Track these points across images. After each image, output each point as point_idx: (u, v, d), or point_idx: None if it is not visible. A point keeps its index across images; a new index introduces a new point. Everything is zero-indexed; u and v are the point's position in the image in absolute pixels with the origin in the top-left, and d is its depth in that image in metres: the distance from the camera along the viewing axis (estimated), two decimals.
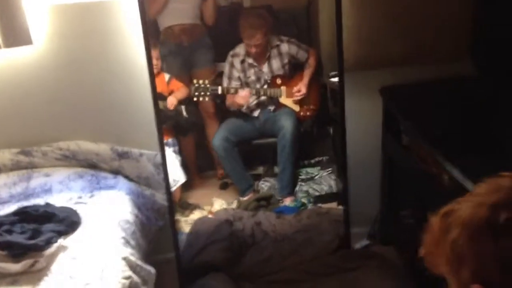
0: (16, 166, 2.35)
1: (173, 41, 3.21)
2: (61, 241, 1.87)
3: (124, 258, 1.88)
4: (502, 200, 0.83)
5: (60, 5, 2.21)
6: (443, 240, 0.86)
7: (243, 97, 3.30)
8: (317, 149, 3.60)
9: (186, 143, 3.51)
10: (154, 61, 3.00)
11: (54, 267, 1.80)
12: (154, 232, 2.37)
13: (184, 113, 3.27)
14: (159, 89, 3.04)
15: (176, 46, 3.24)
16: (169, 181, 2.58)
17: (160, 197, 2.46)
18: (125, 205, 2.17)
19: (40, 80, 2.30)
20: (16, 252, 1.79)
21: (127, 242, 1.97)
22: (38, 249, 1.80)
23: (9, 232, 1.86)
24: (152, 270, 2.05)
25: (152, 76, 2.29)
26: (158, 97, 2.93)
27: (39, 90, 2.32)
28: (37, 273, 1.77)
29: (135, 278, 1.89)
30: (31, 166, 2.35)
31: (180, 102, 3.21)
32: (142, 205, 2.31)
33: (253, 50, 3.21)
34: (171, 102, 3.17)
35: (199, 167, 3.62)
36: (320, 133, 3.35)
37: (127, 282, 1.81)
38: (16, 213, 1.98)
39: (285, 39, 3.34)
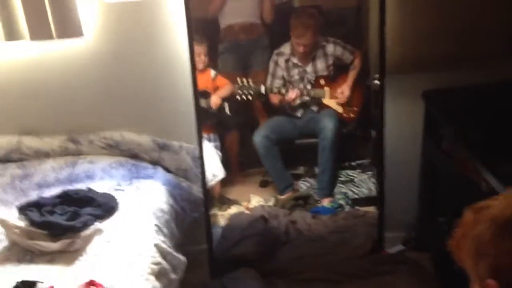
0: (64, 152, 2.48)
1: (231, 39, 3.29)
2: (97, 225, 1.97)
3: (156, 245, 1.95)
4: None
5: (110, 1, 2.31)
6: (470, 233, 0.90)
7: (292, 97, 3.33)
8: (358, 151, 3.57)
9: (230, 139, 3.58)
10: (202, 57, 3.09)
11: (89, 248, 1.89)
12: (188, 222, 2.43)
13: (227, 110, 3.34)
14: (204, 85, 3.12)
15: (233, 44, 3.31)
16: (207, 175, 2.65)
17: (197, 190, 2.52)
18: (161, 195, 2.24)
19: (89, 71, 2.42)
20: (55, 232, 1.89)
21: (159, 230, 2.04)
22: (76, 230, 1.90)
23: (51, 213, 1.98)
24: (182, 258, 2.11)
25: (194, 72, 2.35)
26: (202, 93, 3.02)
27: (87, 81, 2.44)
28: (73, 253, 1.87)
29: (165, 264, 1.96)
30: (78, 153, 2.48)
31: (224, 100, 3.28)
32: (178, 196, 2.38)
33: (301, 49, 3.23)
34: (214, 102, 3.24)
35: (242, 164, 3.69)
36: (362, 135, 3.32)
37: (156, 267, 1.88)
38: (59, 195, 2.10)
39: (331, 40, 3.34)
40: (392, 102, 2.51)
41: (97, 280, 1.72)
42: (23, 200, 2.14)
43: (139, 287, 1.75)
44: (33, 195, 2.21)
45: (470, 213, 0.93)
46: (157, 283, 1.84)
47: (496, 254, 0.85)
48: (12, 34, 2.27)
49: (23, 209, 1.99)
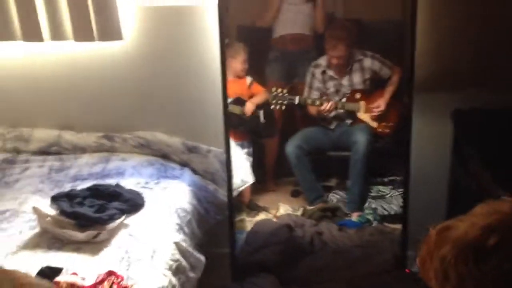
0: (98, 149, 2.60)
1: (281, 48, 3.36)
2: (123, 219, 2.06)
3: (176, 243, 2.02)
4: (495, 224, 0.83)
5: (149, 7, 2.43)
6: (435, 254, 0.87)
7: (326, 109, 3.35)
8: (391, 168, 3.54)
9: (269, 147, 3.63)
10: (240, 65, 3.16)
11: (114, 241, 1.98)
12: (211, 224, 2.50)
13: (262, 118, 3.39)
14: (239, 92, 3.19)
15: (282, 53, 3.37)
16: (236, 181, 2.71)
17: (222, 193, 2.59)
18: (185, 195, 2.32)
19: (126, 73, 2.53)
20: (83, 222, 2.00)
21: (180, 229, 2.11)
22: (102, 222, 1.99)
23: (81, 204, 2.09)
24: (202, 258, 2.17)
25: (224, 78, 2.42)
26: (237, 100, 3.09)
27: (124, 82, 2.56)
28: (98, 244, 1.96)
29: (184, 262, 2.03)
30: (112, 150, 2.60)
31: (259, 107, 3.33)
32: (203, 198, 2.45)
33: (335, 61, 3.25)
34: (249, 108, 3.30)
35: (276, 172, 3.73)
36: (397, 152, 3.29)
37: (174, 264, 1.95)
38: (89, 188, 2.21)
39: (369, 54, 3.33)
40: (421, 119, 2.49)
41: (117, 271, 1.81)
42: (57, 191, 2.26)
43: (156, 281, 1.81)
44: (67, 187, 2.32)
45: (434, 232, 0.91)
46: (174, 279, 1.91)
47: (458, 278, 0.83)
48: (58, 35, 2.42)
49: (56, 199, 2.10)
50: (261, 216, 3.32)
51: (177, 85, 2.55)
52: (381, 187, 3.55)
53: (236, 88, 3.02)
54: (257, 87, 3.29)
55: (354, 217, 3.27)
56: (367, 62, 3.35)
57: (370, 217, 3.23)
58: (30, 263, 1.84)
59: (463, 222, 0.87)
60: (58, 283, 1.68)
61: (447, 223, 0.90)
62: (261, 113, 3.36)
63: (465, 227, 0.86)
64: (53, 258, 1.88)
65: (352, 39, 3.16)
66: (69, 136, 2.62)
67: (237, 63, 2.96)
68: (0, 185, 2.39)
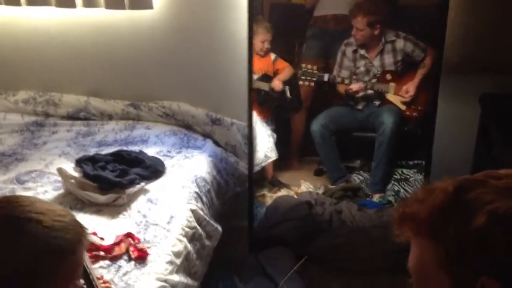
0: (125, 116, 2.66)
1: (320, 26, 3.34)
2: (143, 184, 2.11)
3: (193, 210, 2.06)
4: None
5: None
6: (453, 216, 0.79)
7: (355, 89, 3.32)
8: (417, 151, 3.50)
9: (294, 124, 3.63)
10: (265, 44, 3.16)
11: (133, 205, 2.04)
12: (231, 196, 2.53)
13: (288, 94, 3.39)
14: (265, 68, 3.19)
15: (321, 31, 3.36)
16: (260, 156, 2.73)
17: (243, 166, 2.61)
18: (206, 165, 2.35)
19: (154, 42, 2.56)
20: (104, 186, 2.05)
21: (198, 197, 2.15)
22: (122, 186, 2.04)
23: (103, 168, 2.14)
24: (219, 227, 2.21)
25: (251, 53, 2.41)
26: (264, 77, 3.09)
27: (152, 51, 2.59)
28: (118, 208, 2.02)
29: (200, 230, 2.07)
30: (137, 118, 2.65)
31: (285, 83, 3.33)
32: (223, 169, 2.48)
33: (357, 34, 3.20)
34: (277, 84, 3.30)
35: (301, 150, 3.73)
36: (424, 135, 3.24)
37: (190, 231, 2.00)
38: (112, 154, 2.27)
39: (402, 35, 3.27)
40: (448, 103, 2.45)
41: (135, 234, 1.87)
42: (82, 155, 2.33)
43: (171, 245, 1.86)
44: (92, 152, 2.38)
45: (450, 187, 0.83)
46: (189, 245, 1.95)
47: (505, 253, 0.76)
48: (90, 2, 2.46)
49: (80, 162, 2.17)
50: (283, 192, 3.34)
51: (204, 57, 2.57)
52: (405, 170, 3.51)
53: (262, 65, 3.03)
54: (281, 63, 3.28)
55: (376, 198, 3.26)
56: (400, 44, 3.29)
57: (391, 198, 3.21)
58: None
59: (497, 190, 0.80)
60: None
61: (467, 182, 0.83)
62: (287, 88, 3.36)
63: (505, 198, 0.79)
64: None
65: (378, 16, 3.10)
66: (96, 103, 2.68)
67: (258, 42, 2.96)
68: (29, 146, 2.48)
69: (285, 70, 3.27)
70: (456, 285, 0.79)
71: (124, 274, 1.69)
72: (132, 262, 1.74)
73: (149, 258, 1.77)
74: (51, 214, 0.97)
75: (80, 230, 1.02)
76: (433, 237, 0.81)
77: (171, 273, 1.75)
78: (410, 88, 3.30)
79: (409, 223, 0.85)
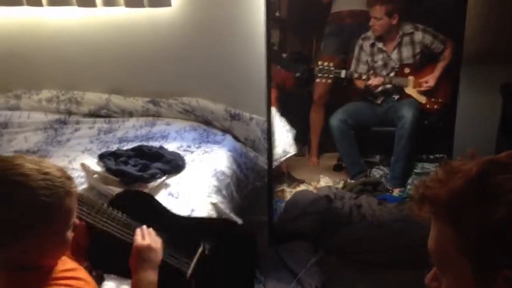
0: (145, 113, 2.70)
1: (337, 22, 3.35)
2: (164, 179, 2.14)
3: (213, 204, 2.08)
4: None
5: None
6: (474, 203, 0.78)
7: (374, 83, 3.31)
8: (439, 144, 3.47)
9: (313, 119, 3.64)
10: None
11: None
12: (250, 190, 2.55)
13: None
14: None
15: (338, 27, 3.37)
16: (278, 151, 2.74)
17: (263, 161, 2.63)
18: (225, 160, 2.37)
19: (173, 39, 2.59)
20: (126, 180, 2.09)
21: (219, 191, 2.17)
22: (143, 180, 2.08)
23: (125, 163, 2.18)
24: (239, 221, 2.23)
25: (269, 48, 2.43)
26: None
27: (171, 48, 2.62)
28: None
29: None
30: (157, 115, 2.68)
31: None
32: (243, 164, 2.50)
33: (375, 24, 3.19)
34: None
35: (320, 146, 3.74)
36: (445, 128, 3.22)
37: None
38: (133, 149, 2.31)
39: (421, 27, 3.26)
40: (469, 94, 2.43)
41: None
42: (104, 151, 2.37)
43: None
44: (113, 148, 2.42)
45: (477, 167, 0.80)
46: None
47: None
48: (110, 1, 2.51)
49: (102, 157, 2.21)
50: (302, 187, 3.36)
51: (222, 52, 2.59)
52: (426, 164, 3.50)
53: None
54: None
55: (396, 192, 3.25)
56: (418, 36, 3.28)
57: (411, 192, 3.19)
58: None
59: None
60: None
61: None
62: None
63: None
64: None
65: (396, 4, 3.09)
66: (117, 100, 2.73)
67: None
68: (53, 143, 2.54)
69: None
70: (477, 270, 0.78)
71: None
72: None
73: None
74: (35, 174, 1.03)
75: (67, 183, 1.07)
76: (453, 222, 0.80)
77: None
78: (430, 80, 3.28)
79: (429, 205, 0.83)
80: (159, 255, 1.32)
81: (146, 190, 2.08)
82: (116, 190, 2.08)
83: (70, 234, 1.12)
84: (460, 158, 0.85)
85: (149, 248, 1.29)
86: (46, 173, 1.04)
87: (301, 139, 3.22)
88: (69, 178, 1.10)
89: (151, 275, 1.26)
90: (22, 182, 1.01)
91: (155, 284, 1.26)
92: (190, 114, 2.65)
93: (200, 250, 1.45)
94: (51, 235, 1.07)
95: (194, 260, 1.45)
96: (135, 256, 1.28)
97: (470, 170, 0.80)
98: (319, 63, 3.27)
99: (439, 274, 0.85)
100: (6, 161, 1.06)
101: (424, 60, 3.35)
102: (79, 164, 2.24)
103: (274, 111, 2.79)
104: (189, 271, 1.44)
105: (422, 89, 3.31)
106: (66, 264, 1.16)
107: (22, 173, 1.02)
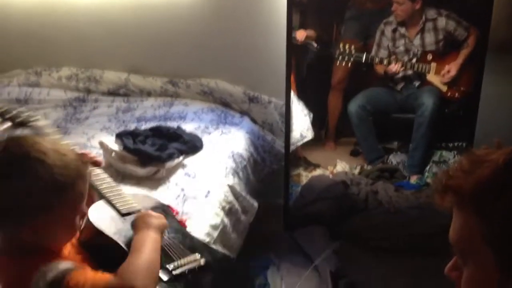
0: (163, 93, 2.70)
1: (358, 7, 3.30)
2: (181, 159, 2.15)
3: (230, 186, 2.09)
4: None
5: None
6: (502, 193, 0.75)
7: (394, 69, 3.26)
8: (457, 133, 3.42)
9: (331, 104, 3.60)
10: None
11: (172, 178, 2.08)
12: (267, 173, 2.54)
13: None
14: None
15: (359, 12, 3.31)
16: (296, 135, 2.73)
17: (280, 144, 2.62)
18: (243, 142, 2.37)
19: (192, 20, 2.58)
20: (144, 159, 2.10)
21: (236, 173, 2.17)
22: (161, 160, 2.09)
23: (143, 143, 2.19)
24: (255, 203, 2.24)
25: (290, 31, 2.39)
26: None
27: (190, 29, 2.60)
28: (157, 181, 2.07)
29: (236, 205, 2.10)
30: (176, 95, 2.69)
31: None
32: (260, 147, 2.49)
33: (397, 9, 3.13)
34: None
35: (337, 131, 3.71)
36: (467, 117, 3.16)
37: (227, 205, 2.03)
38: (151, 129, 2.31)
39: (444, 13, 3.19)
40: (492, 82, 2.38)
41: (173, 206, 1.90)
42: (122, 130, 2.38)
43: (208, 218, 1.90)
44: (131, 127, 2.43)
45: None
46: (226, 219, 1.99)
47: None
48: None
49: (120, 136, 2.22)
50: (318, 172, 3.34)
51: (242, 34, 2.57)
52: (444, 152, 3.45)
53: None
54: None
55: (413, 179, 3.21)
56: (441, 22, 3.21)
57: (429, 180, 3.16)
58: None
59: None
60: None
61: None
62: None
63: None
64: None
65: None
66: (136, 80, 2.73)
67: None
68: (72, 121, 2.56)
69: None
70: (500, 261, 0.76)
71: None
72: None
73: (187, 229, 1.80)
74: (53, 153, 1.04)
75: (81, 165, 1.09)
76: (478, 212, 0.78)
77: (208, 244, 1.78)
78: (452, 68, 3.22)
79: (452, 196, 0.81)
80: (163, 221, 1.26)
81: (163, 169, 2.09)
82: (133, 169, 2.09)
83: (78, 221, 1.13)
84: (486, 147, 0.83)
85: (149, 214, 1.26)
86: (63, 154, 1.06)
87: (318, 124, 3.19)
88: (85, 163, 1.12)
89: (154, 234, 1.19)
90: (41, 159, 1.03)
91: (159, 242, 1.20)
92: (208, 96, 2.64)
93: (197, 257, 1.30)
94: (61, 216, 1.08)
95: (186, 262, 1.28)
96: (137, 221, 1.24)
97: (497, 160, 0.78)
98: (340, 46, 3.23)
99: (460, 264, 0.83)
100: (27, 139, 1.08)
101: (447, 47, 3.28)
102: (97, 142, 2.25)
103: (292, 94, 2.77)
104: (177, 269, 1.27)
105: (444, 79, 3.25)
106: (72, 257, 1.16)
107: (41, 151, 1.04)
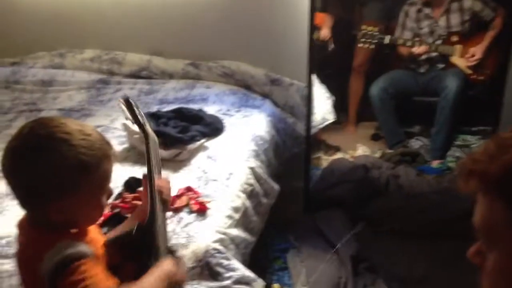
0: (185, 75, 2.71)
1: None
2: (203, 141, 2.16)
3: (251, 168, 2.09)
4: None
5: None
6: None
7: (418, 51, 3.22)
8: (481, 117, 3.37)
9: (353, 87, 3.58)
10: None
11: (193, 161, 2.09)
12: (288, 156, 2.54)
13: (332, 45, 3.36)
14: None
15: None
16: (317, 118, 2.72)
17: (301, 127, 2.61)
18: (264, 124, 2.37)
19: (215, 4, 2.58)
20: (167, 141, 2.11)
21: (257, 155, 2.18)
22: (184, 142, 2.10)
23: (165, 124, 2.20)
24: (276, 186, 2.24)
25: (312, 14, 2.37)
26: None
27: (212, 11, 2.60)
28: (179, 163, 2.08)
29: (257, 188, 2.10)
30: (197, 77, 2.69)
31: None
32: (282, 130, 2.49)
33: None
34: (325, 33, 3.28)
35: (359, 114, 3.68)
36: (491, 100, 3.11)
37: (248, 188, 2.03)
38: (173, 111, 2.32)
39: None
40: None
41: (195, 188, 1.93)
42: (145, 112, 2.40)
43: (230, 200, 1.90)
44: (154, 109, 2.45)
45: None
46: (247, 201, 1.99)
47: None
48: None
49: None
50: (338, 155, 3.33)
51: (263, 17, 2.56)
52: (468, 136, 3.41)
53: None
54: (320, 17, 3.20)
55: (435, 164, 3.19)
56: (468, 2, 3.15)
57: (451, 165, 3.13)
58: (118, 174, 1.98)
59: None
60: (141, 192, 1.82)
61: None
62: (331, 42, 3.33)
63: None
64: (139, 171, 2.02)
65: None
66: (158, 62, 2.74)
67: None
68: (95, 103, 2.58)
69: (326, 21, 3.21)
70: None
71: (186, 226, 1.75)
72: (193, 215, 1.79)
73: (209, 212, 1.82)
74: (78, 134, 1.05)
75: (106, 146, 1.10)
76: (504, 198, 0.76)
77: (230, 226, 1.80)
78: (477, 51, 3.15)
79: (478, 180, 0.79)
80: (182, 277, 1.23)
81: (185, 151, 2.10)
82: None
83: (104, 201, 1.14)
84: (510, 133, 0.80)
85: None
86: (87, 134, 1.07)
87: (339, 107, 3.18)
88: (108, 144, 1.12)
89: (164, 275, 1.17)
90: (67, 139, 1.04)
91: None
92: (230, 78, 2.64)
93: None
94: (87, 195, 1.09)
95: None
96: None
97: None
98: (363, 27, 3.19)
99: (484, 249, 0.83)
100: (53, 120, 1.10)
101: (473, 28, 3.22)
102: (120, 124, 2.27)
103: (314, 77, 2.75)
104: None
105: (469, 63, 3.19)
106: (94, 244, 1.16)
107: (66, 131, 1.05)
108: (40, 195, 1.05)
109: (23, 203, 1.08)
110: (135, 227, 1.18)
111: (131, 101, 1.29)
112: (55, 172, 1.04)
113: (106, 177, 1.12)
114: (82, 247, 1.06)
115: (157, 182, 1.27)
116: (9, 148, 1.05)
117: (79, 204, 1.08)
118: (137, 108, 1.29)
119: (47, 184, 1.05)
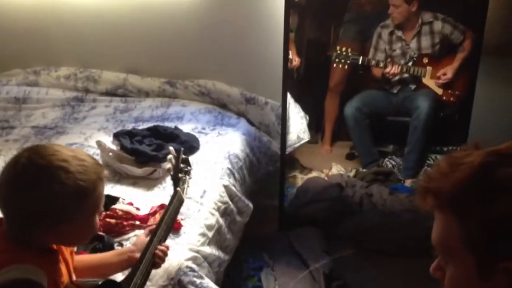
0: (161, 94, 2.72)
1: (356, 9, 3.32)
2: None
3: (225, 186, 2.10)
4: None
5: None
6: (478, 197, 0.76)
7: (391, 72, 3.29)
8: (453, 137, 3.44)
9: (328, 106, 3.62)
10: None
11: (168, 178, 2.09)
12: (262, 174, 2.56)
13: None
14: None
15: (357, 15, 3.34)
16: (291, 137, 2.75)
17: (276, 146, 2.64)
18: (239, 143, 2.39)
19: (191, 22, 2.60)
20: (141, 159, 2.12)
21: (231, 173, 2.19)
22: (158, 160, 2.10)
23: (140, 142, 2.21)
24: (250, 204, 2.25)
25: (287, 34, 2.40)
26: None
27: (189, 31, 2.63)
28: (153, 181, 2.08)
29: (232, 206, 2.11)
30: (173, 96, 2.70)
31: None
32: (256, 148, 2.51)
33: (394, 12, 3.15)
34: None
35: (333, 134, 3.72)
36: (462, 121, 3.18)
37: (222, 206, 2.04)
38: (149, 129, 2.33)
39: (440, 17, 3.21)
40: (487, 87, 2.40)
41: None
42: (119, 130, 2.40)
43: (204, 218, 1.91)
44: (129, 127, 2.45)
45: (478, 162, 0.79)
46: (221, 219, 2.00)
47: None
48: None
49: (117, 136, 2.24)
50: (313, 174, 3.36)
51: (240, 36, 2.59)
52: (439, 156, 3.47)
53: None
54: None
55: (408, 183, 3.23)
56: (438, 25, 3.23)
57: (415, 185, 3.18)
58: None
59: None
60: (114, 210, 1.82)
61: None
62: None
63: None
64: (112, 189, 2.02)
65: None
66: (134, 80, 2.75)
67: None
68: (70, 120, 2.57)
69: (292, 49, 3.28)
70: (479, 262, 0.78)
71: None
72: None
73: (183, 229, 1.82)
74: (73, 160, 1.10)
75: (99, 169, 1.15)
76: (456, 214, 0.79)
77: (203, 244, 1.80)
78: (448, 71, 3.24)
79: (432, 198, 0.83)
80: None
81: (160, 169, 2.11)
82: (130, 168, 2.11)
83: (97, 220, 1.18)
84: (464, 149, 0.83)
85: None
86: (82, 160, 1.11)
87: (314, 127, 3.21)
88: (100, 166, 1.17)
89: None
90: (64, 167, 1.08)
91: None
92: (205, 97, 2.66)
93: None
94: (84, 217, 1.13)
95: None
96: None
97: (473, 162, 0.79)
98: (338, 48, 3.25)
99: (443, 264, 0.85)
100: (46, 148, 1.12)
101: (443, 51, 3.30)
102: (94, 141, 2.26)
103: (289, 96, 2.79)
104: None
105: (440, 81, 3.28)
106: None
107: (63, 159, 1.09)
108: (40, 222, 1.08)
109: (19, 228, 1.09)
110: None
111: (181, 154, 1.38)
112: (56, 198, 1.07)
113: (100, 198, 1.16)
114: (35, 276, 1.06)
115: (157, 245, 1.36)
116: (7, 179, 1.08)
117: (77, 226, 1.12)
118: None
119: (48, 211, 1.08)
